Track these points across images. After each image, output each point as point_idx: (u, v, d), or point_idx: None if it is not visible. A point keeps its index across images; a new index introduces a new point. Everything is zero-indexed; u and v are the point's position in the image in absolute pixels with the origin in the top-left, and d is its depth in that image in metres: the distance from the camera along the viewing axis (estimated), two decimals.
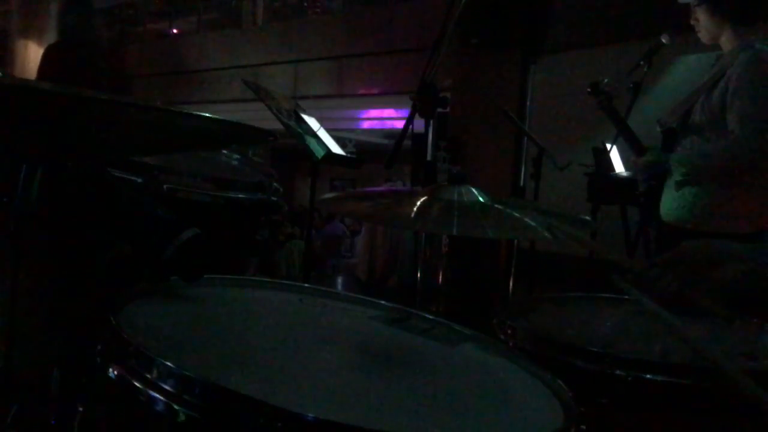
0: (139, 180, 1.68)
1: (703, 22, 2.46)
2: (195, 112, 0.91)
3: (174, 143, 1.20)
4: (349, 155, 3.35)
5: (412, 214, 1.29)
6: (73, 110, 0.86)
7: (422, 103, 1.94)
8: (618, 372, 1.18)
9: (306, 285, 1.47)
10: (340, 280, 7.97)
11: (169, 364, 0.83)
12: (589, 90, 2.72)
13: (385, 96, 9.61)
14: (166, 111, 0.89)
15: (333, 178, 14.49)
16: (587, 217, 1.53)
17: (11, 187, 1.16)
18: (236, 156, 2.32)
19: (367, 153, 8.17)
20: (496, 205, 1.33)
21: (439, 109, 2.03)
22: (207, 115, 0.90)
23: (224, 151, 2.29)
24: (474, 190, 1.35)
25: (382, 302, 1.37)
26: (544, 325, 1.47)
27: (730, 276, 1.96)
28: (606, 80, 2.71)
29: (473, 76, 6.16)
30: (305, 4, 12.57)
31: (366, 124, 11.82)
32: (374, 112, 10.95)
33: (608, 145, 3.49)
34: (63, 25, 3.14)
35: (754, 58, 2.31)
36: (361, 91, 10.24)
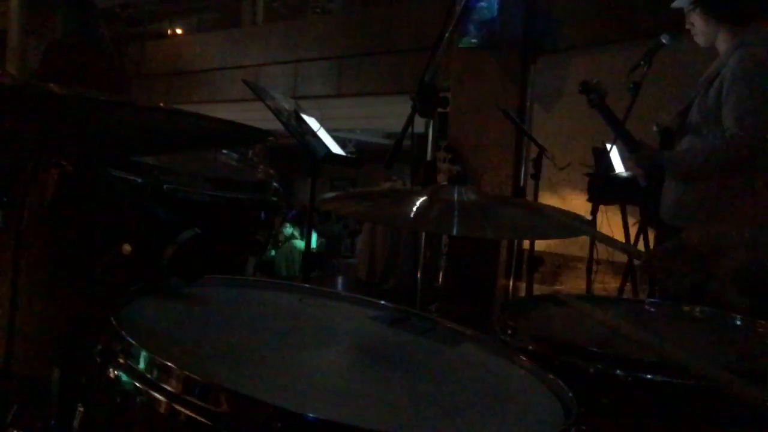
0: (139, 180, 1.68)
1: (698, 26, 2.47)
2: (195, 112, 0.91)
3: (174, 143, 1.20)
4: (349, 155, 3.35)
5: (412, 214, 1.29)
6: (73, 111, 0.86)
7: (422, 103, 1.94)
8: (618, 372, 1.18)
9: (306, 285, 1.47)
10: (340, 280, 7.97)
11: (169, 364, 0.83)
12: (579, 89, 2.73)
13: (385, 96, 9.61)
14: (166, 111, 0.89)
15: (333, 178, 14.49)
16: (587, 217, 1.53)
17: (11, 187, 1.16)
18: (236, 156, 2.32)
19: (367, 153, 8.17)
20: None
21: (439, 109, 2.03)
22: (207, 115, 0.90)
23: (224, 151, 2.29)
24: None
25: (382, 302, 1.37)
26: (544, 325, 1.47)
27: (737, 263, 1.97)
28: (596, 79, 2.72)
29: (473, 76, 6.17)
30: (305, 4, 12.57)
31: (366, 124, 11.83)
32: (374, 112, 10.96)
33: (608, 145, 3.49)
34: (64, 24, 3.14)
35: (748, 56, 2.32)
36: (361, 91, 10.23)
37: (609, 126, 2.77)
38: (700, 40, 2.50)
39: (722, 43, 2.45)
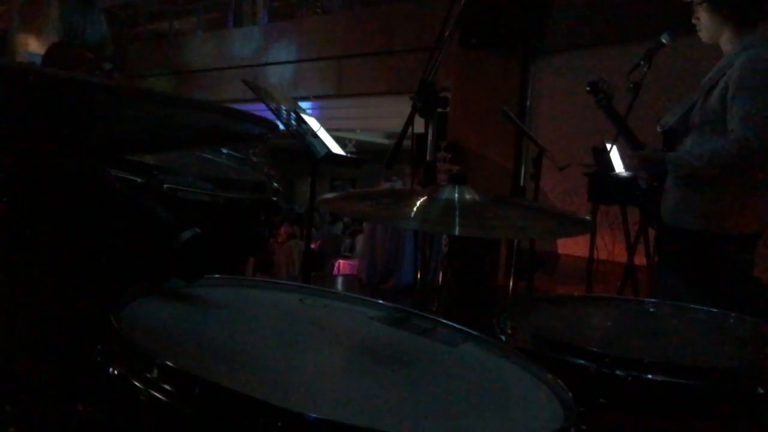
0: (139, 180, 1.68)
1: (704, 21, 2.46)
2: (188, 98, 0.90)
3: (172, 136, 1.19)
4: (349, 155, 3.35)
5: (412, 214, 1.29)
6: (74, 99, 0.85)
7: (422, 103, 1.94)
8: (618, 372, 1.18)
9: (306, 285, 1.47)
10: (340, 280, 7.97)
11: (169, 364, 0.83)
12: (588, 89, 2.73)
13: (385, 96, 9.62)
14: (169, 99, 0.88)
15: (333, 178, 14.51)
16: (587, 217, 1.53)
17: (11, 186, 1.16)
18: (236, 155, 2.33)
19: (367, 153, 8.17)
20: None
21: (439, 109, 2.03)
22: (200, 100, 0.89)
23: (224, 151, 2.30)
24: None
25: (382, 302, 1.37)
26: (544, 325, 1.47)
27: None
28: (604, 79, 2.73)
29: (473, 76, 6.18)
30: (305, 4, 12.57)
31: (366, 124, 11.84)
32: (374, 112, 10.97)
33: (608, 145, 3.49)
34: (65, 24, 3.15)
35: (754, 58, 2.31)
36: (361, 91, 10.24)
37: (614, 126, 2.77)
38: (704, 36, 2.50)
39: (726, 43, 2.44)
